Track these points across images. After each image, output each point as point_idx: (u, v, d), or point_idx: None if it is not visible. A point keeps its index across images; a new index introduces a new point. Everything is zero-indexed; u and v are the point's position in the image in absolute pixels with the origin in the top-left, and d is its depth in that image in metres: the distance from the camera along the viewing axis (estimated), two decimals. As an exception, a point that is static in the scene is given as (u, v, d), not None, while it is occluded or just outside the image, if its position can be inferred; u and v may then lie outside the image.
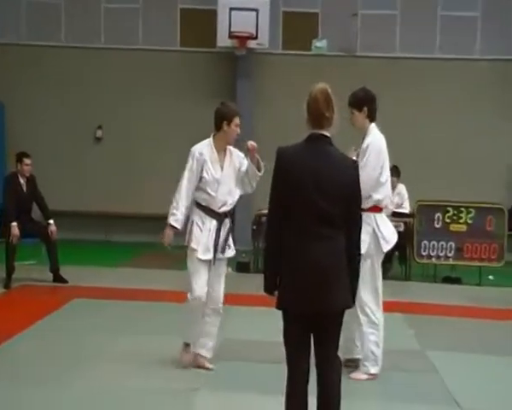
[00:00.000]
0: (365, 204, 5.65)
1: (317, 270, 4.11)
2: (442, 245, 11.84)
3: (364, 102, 6.32)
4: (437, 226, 11.84)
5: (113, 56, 16.04)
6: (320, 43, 15.90)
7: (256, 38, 14.87)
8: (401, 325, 8.54)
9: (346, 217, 4.18)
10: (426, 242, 11.93)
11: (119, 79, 16.02)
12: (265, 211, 12.27)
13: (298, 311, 4.18)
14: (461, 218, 11.88)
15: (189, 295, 6.28)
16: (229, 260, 6.73)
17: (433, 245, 11.88)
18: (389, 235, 6.35)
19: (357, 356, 6.44)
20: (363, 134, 6.36)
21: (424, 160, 15.09)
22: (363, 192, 5.30)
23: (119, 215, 15.62)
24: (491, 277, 11.98)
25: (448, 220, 11.89)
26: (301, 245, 4.14)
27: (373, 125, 6.35)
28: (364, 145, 6.25)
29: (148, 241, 14.05)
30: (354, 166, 4.39)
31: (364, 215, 5.35)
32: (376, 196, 6.21)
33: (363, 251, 5.35)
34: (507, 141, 15.58)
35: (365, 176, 5.53)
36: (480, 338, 8.21)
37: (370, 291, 6.25)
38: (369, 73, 15.42)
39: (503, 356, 7.46)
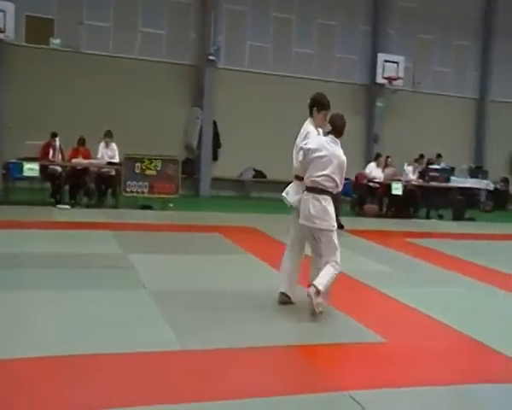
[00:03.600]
0: None
1: None
2: (140, 184, 11.91)
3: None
4: (137, 172, 11.87)
5: None
6: (55, 41, 14.76)
7: (4, 31, 13.31)
8: (110, 239, 8.06)
9: None
10: (129, 182, 11.88)
11: None
12: (13, 160, 11.26)
13: None
14: (152, 165, 12.05)
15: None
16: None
17: (134, 184, 11.88)
18: None
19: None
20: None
21: (148, 129, 14.78)
22: None
23: None
24: (171, 204, 12.29)
25: (144, 167, 11.99)
26: None
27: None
28: None
29: None
30: None
31: None
32: None
33: None
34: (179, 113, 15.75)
35: None
36: (173, 244, 8.12)
37: None
38: (91, 67, 14.71)
39: (191, 255, 7.31)
